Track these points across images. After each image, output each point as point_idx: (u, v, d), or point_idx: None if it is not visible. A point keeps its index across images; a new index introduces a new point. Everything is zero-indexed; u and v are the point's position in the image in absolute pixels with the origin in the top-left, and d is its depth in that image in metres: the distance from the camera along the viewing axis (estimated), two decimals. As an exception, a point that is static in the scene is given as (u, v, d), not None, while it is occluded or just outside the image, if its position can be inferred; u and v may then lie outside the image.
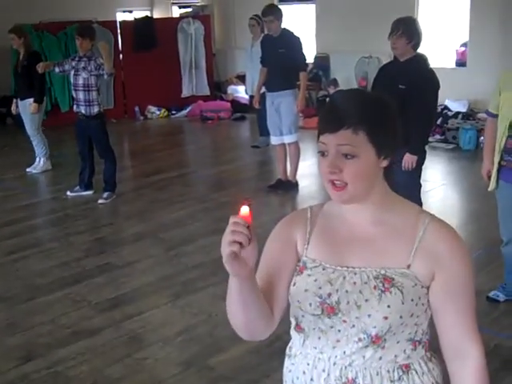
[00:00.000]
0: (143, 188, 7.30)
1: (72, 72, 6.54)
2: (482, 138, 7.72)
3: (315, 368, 1.57)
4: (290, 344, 1.67)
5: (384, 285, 1.48)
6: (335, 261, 1.54)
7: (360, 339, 1.50)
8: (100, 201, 6.71)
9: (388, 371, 1.52)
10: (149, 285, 4.73)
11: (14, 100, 8.10)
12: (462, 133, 8.64)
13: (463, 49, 9.87)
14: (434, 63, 5.88)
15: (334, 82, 10.56)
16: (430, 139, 7.31)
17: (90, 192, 6.96)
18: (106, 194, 6.76)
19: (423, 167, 4.81)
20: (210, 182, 7.64)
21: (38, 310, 4.38)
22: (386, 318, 1.46)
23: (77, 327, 4.11)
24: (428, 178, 6.49)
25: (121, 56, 11.59)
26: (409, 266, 1.50)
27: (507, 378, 3.38)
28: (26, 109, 7.73)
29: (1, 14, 10.41)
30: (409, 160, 4.55)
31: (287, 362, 1.67)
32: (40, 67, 6.78)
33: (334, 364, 1.54)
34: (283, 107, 6.73)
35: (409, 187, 4.14)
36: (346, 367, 1.53)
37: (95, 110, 6.55)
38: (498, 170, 3.92)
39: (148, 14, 13.08)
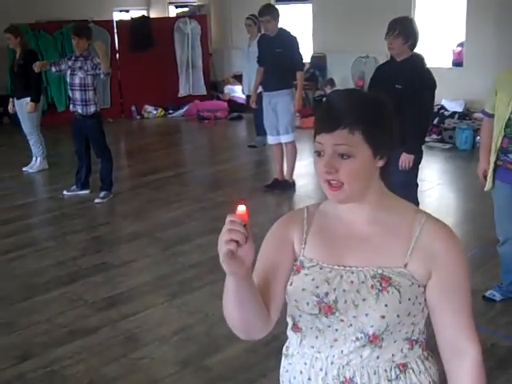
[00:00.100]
0: (140, 187, 7.30)
1: (68, 71, 6.53)
2: (478, 137, 7.73)
3: (312, 367, 1.57)
4: (286, 344, 1.67)
5: (381, 284, 1.48)
6: (332, 260, 1.54)
7: (357, 338, 1.50)
8: (96, 200, 6.71)
9: (385, 370, 1.53)
10: (145, 284, 4.73)
11: (11, 99, 8.10)
12: (458, 132, 8.65)
13: (460, 49, 9.89)
14: (430, 63, 5.86)
15: (331, 82, 10.57)
16: (427, 139, 7.31)
17: (86, 191, 6.96)
18: (102, 194, 6.76)
19: (420, 167, 4.82)
20: (206, 182, 7.64)
21: (35, 309, 4.38)
22: (383, 317, 1.47)
23: (73, 326, 4.11)
24: (424, 178, 6.50)
25: (117, 55, 11.57)
26: (406, 265, 1.50)
27: (502, 377, 3.39)
28: (23, 108, 7.73)
29: (-3, 13, 10.40)
30: (405, 159, 4.56)
31: (284, 362, 1.67)
32: (36, 66, 6.77)
33: (332, 363, 1.54)
34: (280, 107, 6.73)
35: (405, 187, 4.15)
36: (343, 366, 1.53)
37: (92, 109, 6.54)
38: (494, 170, 3.93)
39: (145, 13, 13.07)
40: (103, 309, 4.34)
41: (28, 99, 7.59)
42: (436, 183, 7.21)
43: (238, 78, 11.33)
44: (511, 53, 8.26)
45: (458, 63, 9.83)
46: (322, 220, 1.61)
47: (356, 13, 10.27)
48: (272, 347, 3.31)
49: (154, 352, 3.77)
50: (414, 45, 4.62)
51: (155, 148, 9.40)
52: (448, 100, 9.19)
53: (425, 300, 1.53)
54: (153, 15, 13.28)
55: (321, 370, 1.56)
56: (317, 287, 1.52)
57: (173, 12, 14.01)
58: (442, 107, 9.19)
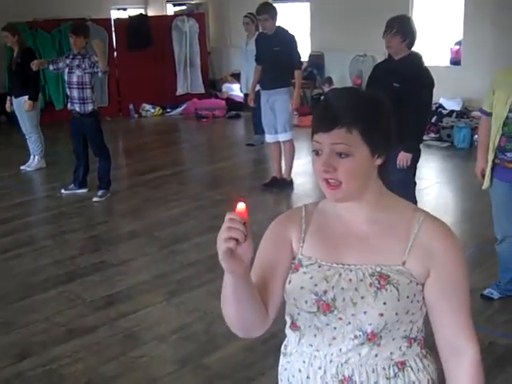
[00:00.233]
0: (138, 186, 7.29)
1: (66, 70, 6.53)
2: (476, 136, 7.74)
3: (311, 366, 1.57)
4: (285, 342, 1.67)
5: (380, 282, 1.48)
6: (331, 258, 1.55)
7: (356, 336, 1.50)
8: (95, 199, 6.70)
9: (384, 368, 1.53)
10: (144, 283, 4.73)
11: (9, 97, 8.09)
12: (456, 131, 8.66)
13: (457, 47, 9.88)
14: (428, 61, 5.88)
15: (329, 81, 10.57)
16: (425, 137, 7.33)
17: (84, 190, 6.96)
18: (100, 192, 6.75)
19: (418, 165, 4.83)
20: (204, 180, 7.64)
21: (33, 308, 4.38)
22: (381, 314, 1.47)
23: (71, 325, 4.11)
24: (422, 176, 6.50)
25: (115, 54, 11.57)
26: (404, 263, 1.50)
27: (500, 376, 3.39)
28: (21, 106, 7.72)
29: (-5, 11, 10.38)
30: (403, 158, 4.57)
31: (283, 361, 1.67)
32: (34, 65, 6.76)
33: (330, 361, 1.54)
34: (278, 105, 6.73)
35: (404, 185, 4.15)
36: (342, 364, 1.53)
37: (89, 107, 6.54)
38: (492, 169, 3.93)
39: (142, 11, 13.06)
40: (101, 308, 4.34)
41: (26, 97, 7.58)
42: (434, 182, 7.21)
43: (236, 77, 11.32)
44: (509, 51, 8.27)
45: (455, 62, 9.83)
46: (321, 218, 1.61)
47: (354, 11, 10.26)
48: (270, 345, 3.31)
49: (153, 351, 3.78)
50: (411, 43, 4.62)
51: (153, 146, 9.39)
52: (446, 98, 9.19)
53: (423, 298, 1.53)
54: (150, 13, 13.27)
55: (319, 368, 1.56)
56: (315, 285, 1.52)
57: (171, 10, 14.00)
58: (440, 106, 9.19)
